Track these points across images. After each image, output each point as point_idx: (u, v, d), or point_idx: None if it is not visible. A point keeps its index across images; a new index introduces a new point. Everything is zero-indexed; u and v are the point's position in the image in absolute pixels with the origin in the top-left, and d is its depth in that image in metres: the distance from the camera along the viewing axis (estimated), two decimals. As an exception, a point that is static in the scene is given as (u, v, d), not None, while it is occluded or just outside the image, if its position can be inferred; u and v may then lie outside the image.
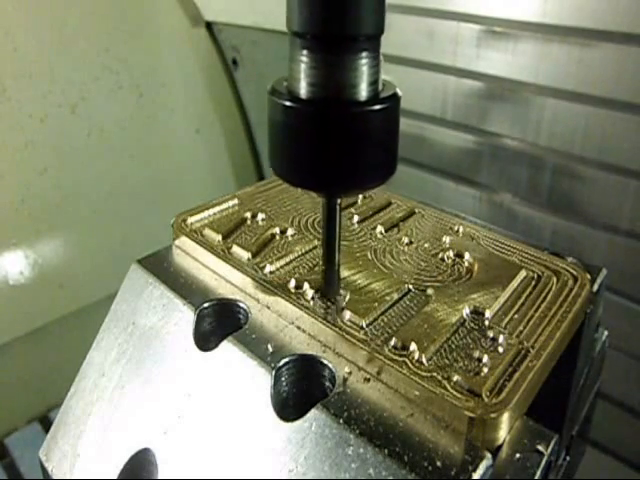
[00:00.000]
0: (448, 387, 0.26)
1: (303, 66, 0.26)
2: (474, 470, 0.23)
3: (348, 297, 0.32)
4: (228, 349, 0.30)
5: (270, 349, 0.30)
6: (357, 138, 0.27)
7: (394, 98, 0.28)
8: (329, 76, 0.26)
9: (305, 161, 0.28)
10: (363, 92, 0.27)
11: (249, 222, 0.40)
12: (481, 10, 0.67)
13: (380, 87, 0.28)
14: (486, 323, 0.30)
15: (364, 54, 0.26)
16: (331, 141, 0.27)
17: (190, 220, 0.40)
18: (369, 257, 0.36)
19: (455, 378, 0.26)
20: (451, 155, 0.76)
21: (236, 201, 0.43)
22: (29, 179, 0.87)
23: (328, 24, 0.25)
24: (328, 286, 0.33)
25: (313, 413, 0.26)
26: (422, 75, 0.75)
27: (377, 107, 0.27)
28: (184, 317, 0.33)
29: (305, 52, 0.26)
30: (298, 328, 0.31)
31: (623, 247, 0.63)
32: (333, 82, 0.26)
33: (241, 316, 0.33)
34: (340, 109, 0.26)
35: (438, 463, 0.24)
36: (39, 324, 0.90)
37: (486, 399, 0.25)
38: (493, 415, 0.24)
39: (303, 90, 0.27)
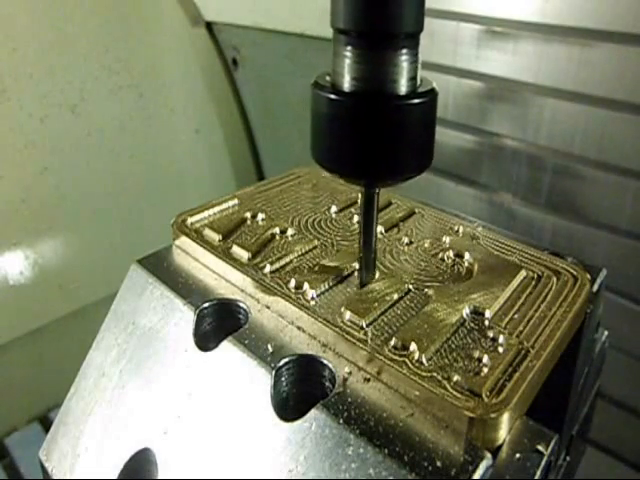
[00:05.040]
0: (448, 387, 0.26)
1: (347, 61, 0.28)
2: (474, 470, 0.23)
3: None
4: (228, 349, 0.30)
5: (270, 349, 0.30)
6: (396, 130, 0.28)
7: (432, 93, 0.29)
8: (371, 71, 0.27)
9: (346, 151, 0.29)
10: (403, 87, 0.28)
11: (249, 222, 0.40)
12: (481, 10, 0.67)
13: (418, 82, 0.29)
14: (486, 323, 0.30)
15: (404, 51, 0.27)
16: (372, 132, 0.28)
17: (190, 220, 0.40)
18: (369, 257, 0.36)
19: (455, 378, 0.26)
20: (451, 155, 0.75)
21: (236, 201, 0.43)
22: (29, 179, 0.87)
23: (372, 22, 0.27)
24: (365, 272, 0.34)
25: (313, 413, 0.26)
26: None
27: (416, 101, 0.28)
28: (184, 317, 0.33)
29: (349, 48, 0.27)
30: (298, 328, 0.31)
31: (623, 247, 0.63)
32: (375, 77, 0.28)
33: (241, 316, 0.33)
34: (381, 102, 0.28)
35: (438, 463, 0.24)
36: (39, 324, 0.90)
37: (486, 399, 0.25)
38: (493, 415, 0.24)
39: (347, 84, 0.28)
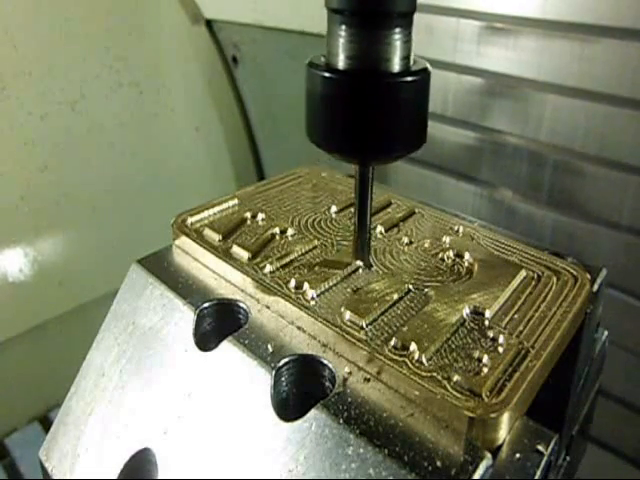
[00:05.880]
0: (448, 387, 0.26)
1: (341, 40, 0.28)
2: (474, 470, 0.23)
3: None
4: (228, 349, 0.30)
5: (270, 349, 0.30)
6: (389, 107, 0.29)
7: (425, 72, 0.29)
8: (365, 49, 0.28)
9: (341, 129, 0.30)
10: (396, 65, 0.28)
11: (249, 222, 0.40)
12: (481, 6, 0.67)
13: (412, 62, 0.29)
14: (486, 323, 0.30)
15: (397, 30, 0.28)
16: (365, 110, 0.29)
17: (190, 220, 0.40)
18: (369, 256, 0.36)
19: (455, 378, 0.26)
20: (451, 152, 0.75)
21: (236, 201, 0.43)
22: (29, 177, 0.87)
23: (365, 1, 0.27)
24: (360, 252, 0.34)
25: (313, 413, 0.26)
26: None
27: (409, 79, 0.29)
28: (184, 317, 0.33)
29: (343, 27, 0.28)
30: (298, 328, 0.31)
31: (624, 244, 0.63)
32: (369, 55, 0.28)
33: (241, 316, 0.33)
34: (374, 80, 0.28)
35: (438, 463, 0.24)
36: (39, 322, 0.90)
37: (486, 399, 0.25)
38: (493, 415, 0.24)
39: (341, 63, 0.29)
